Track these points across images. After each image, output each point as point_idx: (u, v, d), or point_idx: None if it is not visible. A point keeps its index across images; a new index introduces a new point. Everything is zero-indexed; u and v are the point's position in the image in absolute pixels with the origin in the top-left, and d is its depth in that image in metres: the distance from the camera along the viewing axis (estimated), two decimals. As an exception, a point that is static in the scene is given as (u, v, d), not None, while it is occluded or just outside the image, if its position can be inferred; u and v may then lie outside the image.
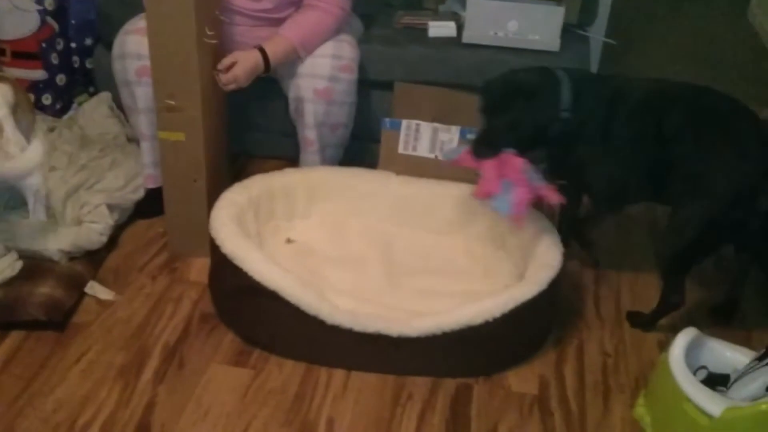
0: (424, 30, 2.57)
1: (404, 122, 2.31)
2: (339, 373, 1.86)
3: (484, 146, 1.94)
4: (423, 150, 2.32)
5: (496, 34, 2.47)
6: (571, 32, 2.56)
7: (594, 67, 2.86)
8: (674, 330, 1.74)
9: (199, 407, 1.74)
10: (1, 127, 1.95)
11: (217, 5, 2.13)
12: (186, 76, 2.03)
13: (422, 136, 2.31)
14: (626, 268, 2.27)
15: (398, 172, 2.29)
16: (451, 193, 2.25)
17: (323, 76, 2.22)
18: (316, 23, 2.23)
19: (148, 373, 1.83)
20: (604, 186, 2.03)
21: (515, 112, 1.91)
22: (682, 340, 1.67)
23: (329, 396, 1.79)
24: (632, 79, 2.03)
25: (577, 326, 2.06)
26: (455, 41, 2.53)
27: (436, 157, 2.30)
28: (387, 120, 2.32)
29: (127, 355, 1.87)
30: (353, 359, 1.87)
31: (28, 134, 2.11)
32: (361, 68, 2.34)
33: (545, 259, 1.97)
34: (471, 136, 2.08)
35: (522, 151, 1.92)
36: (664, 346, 1.89)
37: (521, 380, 1.87)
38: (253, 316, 1.93)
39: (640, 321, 2.06)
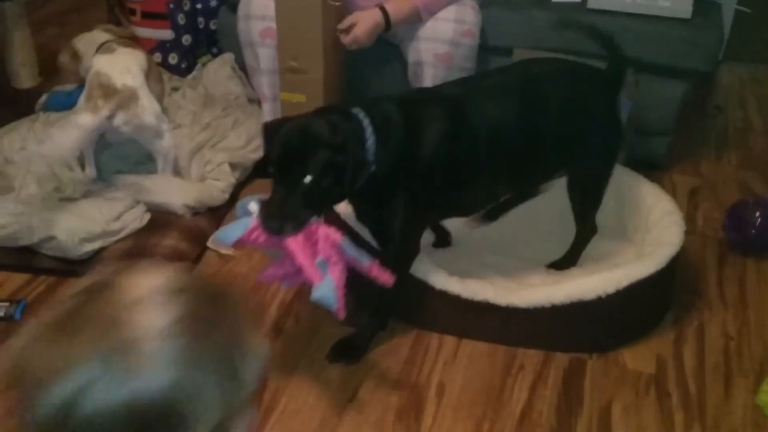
0: (548, -6, 2.50)
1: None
2: (450, 340, 1.86)
3: (282, 220, 1.49)
4: (542, 119, 2.26)
5: (624, -1, 2.38)
6: (703, -1, 2.44)
7: (726, 35, 2.71)
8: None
9: (312, 364, 1.79)
10: (137, 95, 2.04)
11: (342, -32, 2.14)
12: (310, 38, 2.05)
13: (542, 105, 2.25)
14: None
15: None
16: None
17: (445, 40, 2.20)
18: None
19: (264, 328, 1.88)
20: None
21: (318, 172, 1.50)
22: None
23: (440, 361, 1.80)
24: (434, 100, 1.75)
25: (697, 307, 1.98)
26: (580, 7, 2.45)
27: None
28: (506, 87, 2.27)
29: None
30: (462, 326, 1.87)
31: (159, 101, 2.20)
32: (481, 33, 2.30)
33: (665, 236, 1.90)
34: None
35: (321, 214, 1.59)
36: (793, 332, 1.79)
37: (637, 358, 1.82)
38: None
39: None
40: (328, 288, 1.47)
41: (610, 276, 1.78)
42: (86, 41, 2.28)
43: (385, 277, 1.52)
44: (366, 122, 1.59)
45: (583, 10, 2.42)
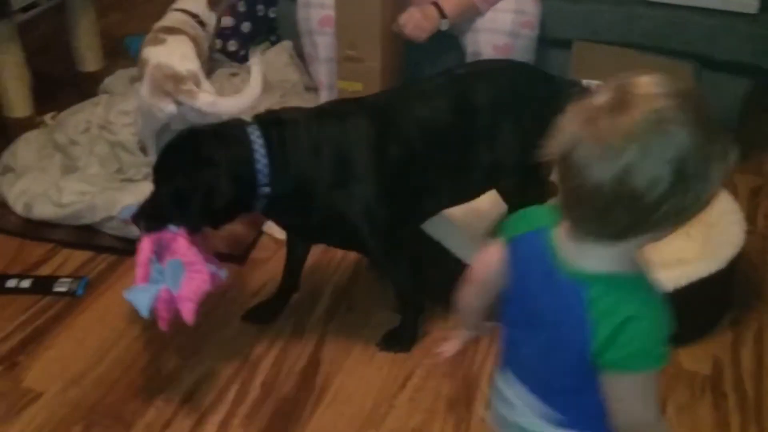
0: (610, -13, 2.46)
1: (584, 82, 2.23)
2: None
3: (145, 217, 1.53)
4: (602, 111, 2.24)
5: (690, -8, 2.33)
6: (771, -8, 2.37)
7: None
8: None
9: (366, 349, 1.80)
10: (198, 79, 2.07)
11: (402, -42, 2.14)
12: (368, 27, 2.06)
13: (602, 98, 2.23)
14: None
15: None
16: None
17: (504, 31, 2.19)
18: None
19: (319, 312, 1.91)
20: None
21: (183, 183, 1.49)
22: None
23: (492, 352, 1.80)
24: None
25: (757, 309, 1.94)
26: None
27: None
28: (565, 80, 2.25)
29: (300, 294, 1.95)
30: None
31: None
32: (541, 25, 2.28)
33: (726, 236, 1.86)
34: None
35: (198, 229, 1.55)
36: None
37: (693, 359, 1.79)
38: (416, 265, 1.97)
39: None
40: (142, 293, 1.48)
41: (672, 273, 1.75)
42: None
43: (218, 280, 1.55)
44: (258, 143, 1.53)
45: (647, 3, 2.38)
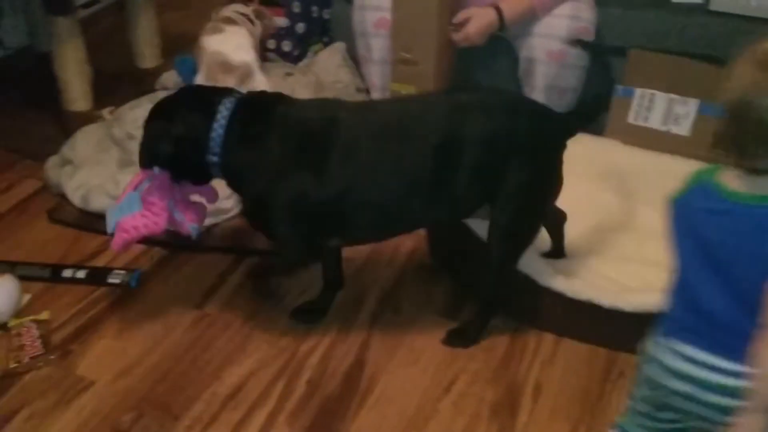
0: (667, -6, 2.43)
1: (638, 90, 2.21)
2: (548, 338, 1.85)
3: (140, 155, 1.73)
4: (655, 122, 2.21)
5: (749, 2, 2.28)
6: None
7: None
8: None
9: (410, 353, 1.81)
10: (252, 70, 2.11)
11: (459, -39, 2.14)
12: (423, 30, 2.07)
13: (656, 107, 2.21)
14: None
15: (626, 142, 2.21)
16: (681, 171, 2.10)
17: (559, 37, 2.17)
18: None
19: (365, 313, 1.92)
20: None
21: (153, 131, 1.68)
22: None
23: (537, 360, 1.79)
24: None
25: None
26: (701, 8, 2.37)
27: (669, 130, 2.19)
28: (620, 87, 2.24)
29: (347, 294, 1.97)
30: (563, 325, 1.85)
31: None
32: (596, 32, 2.26)
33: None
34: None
35: (180, 177, 1.71)
36: None
37: (744, 374, 1.76)
38: (467, 269, 1.97)
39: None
40: (111, 211, 1.74)
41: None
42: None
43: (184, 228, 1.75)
44: (224, 114, 1.62)
45: (704, 11, 2.34)
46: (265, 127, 1.64)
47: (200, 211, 1.82)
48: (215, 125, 1.62)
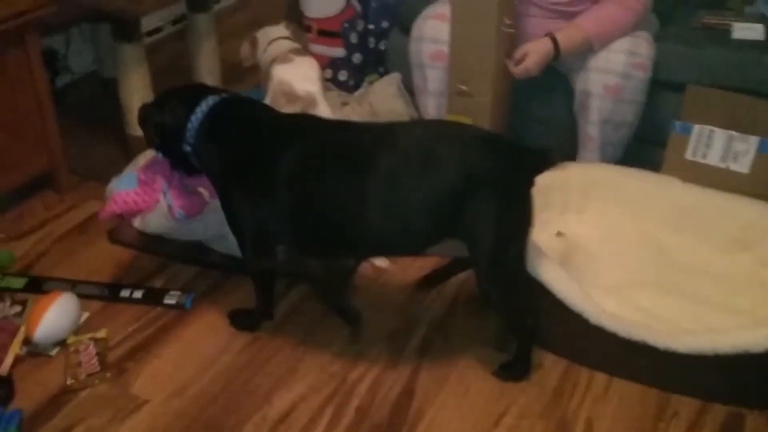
0: (726, 31, 2.40)
1: (696, 127, 2.19)
2: (600, 377, 1.82)
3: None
4: (714, 158, 2.18)
5: (811, 40, 2.25)
6: None
7: None
8: None
9: (460, 384, 1.80)
10: (316, 101, 2.16)
11: (517, -5, 2.16)
12: (481, 63, 2.08)
13: (714, 144, 2.18)
14: None
15: (684, 179, 2.18)
16: (740, 209, 2.10)
17: (616, 72, 2.17)
18: (616, 17, 2.18)
19: (415, 342, 1.92)
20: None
21: (144, 114, 1.89)
22: None
23: (589, 397, 1.77)
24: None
25: None
26: (761, 45, 2.34)
27: (727, 167, 2.16)
28: (677, 123, 2.21)
29: (397, 322, 1.97)
30: (615, 365, 1.83)
31: None
32: (654, 67, 2.25)
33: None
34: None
35: (174, 164, 1.93)
36: None
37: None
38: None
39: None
40: (117, 182, 2.08)
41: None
42: (263, 33, 2.53)
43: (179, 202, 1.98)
44: (202, 109, 1.78)
45: (764, 48, 2.31)
46: (229, 127, 1.80)
47: (195, 201, 2.01)
48: (192, 117, 1.79)
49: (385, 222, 1.66)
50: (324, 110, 2.17)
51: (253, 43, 2.52)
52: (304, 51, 2.40)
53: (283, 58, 2.31)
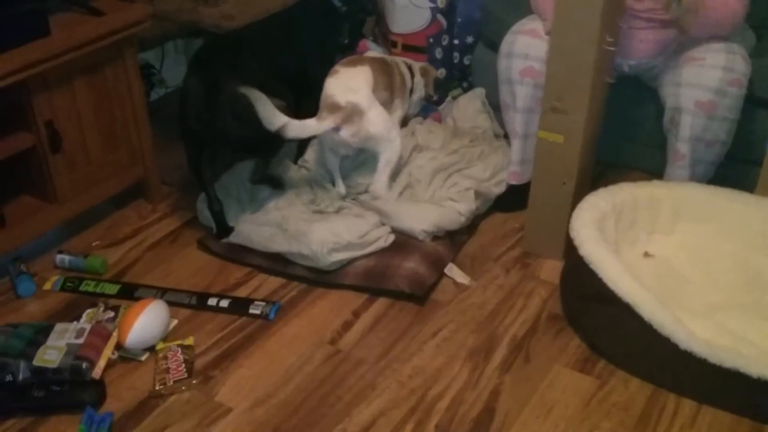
0: (827, 46, 2.31)
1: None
2: (688, 403, 1.76)
3: None
4: (813, 179, 2.09)
5: None
6: None
7: None
8: None
9: (542, 404, 1.78)
10: (361, 110, 2.22)
11: (620, 12, 2.11)
12: (578, 80, 2.03)
13: (814, 164, 2.08)
14: None
15: (780, 199, 2.10)
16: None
17: (710, 88, 2.10)
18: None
19: (495, 360, 1.90)
20: None
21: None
22: None
23: (676, 425, 1.72)
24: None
25: None
26: None
27: (828, 188, 2.07)
28: (774, 142, 2.13)
29: (477, 339, 1.96)
30: (704, 392, 1.77)
31: (387, 107, 2.41)
32: (748, 84, 2.17)
33: None
34: None
35: None
36: None
37: None
38: (602, 324, 1.92)
39: None
40: None
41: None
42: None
43: None
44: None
45: None
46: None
47: None
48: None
49: None
50: (373, 118, 2.28)
51: None
52: (356, 62, 2.44)
53: (332, 72, 2.37)
